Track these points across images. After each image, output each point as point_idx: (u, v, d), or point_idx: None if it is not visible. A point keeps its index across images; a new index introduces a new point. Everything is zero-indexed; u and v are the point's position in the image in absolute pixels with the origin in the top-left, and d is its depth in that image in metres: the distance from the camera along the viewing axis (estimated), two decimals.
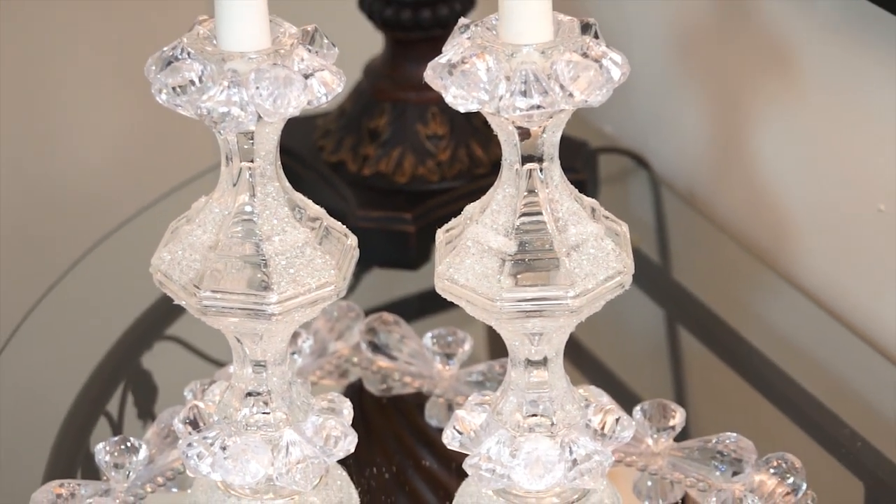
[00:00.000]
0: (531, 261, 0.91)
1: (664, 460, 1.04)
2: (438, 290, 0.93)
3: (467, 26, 0.91)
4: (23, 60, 1.89)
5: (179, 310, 0.97)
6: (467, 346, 1.13)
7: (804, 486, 1.01)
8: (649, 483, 1.04)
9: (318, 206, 0.97)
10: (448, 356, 1.12)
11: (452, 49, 0.90)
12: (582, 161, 1.31)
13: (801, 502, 1.00)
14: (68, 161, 1.91)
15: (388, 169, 1.28)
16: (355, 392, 1.13)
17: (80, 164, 1.92)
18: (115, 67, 1.85)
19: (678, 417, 1.05)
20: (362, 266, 1.07)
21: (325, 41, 0.93)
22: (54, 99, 1.90)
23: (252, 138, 0.93)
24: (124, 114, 1.87)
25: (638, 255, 0.97)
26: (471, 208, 0.94)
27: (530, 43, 0.89)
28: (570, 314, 0.91)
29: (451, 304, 0.93)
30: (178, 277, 0.95)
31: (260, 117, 0.90)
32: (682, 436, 1.04)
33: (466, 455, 0.95)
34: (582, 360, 1.17)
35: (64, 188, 1.91)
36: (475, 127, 1.29)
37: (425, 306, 1.19)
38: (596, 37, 0.90)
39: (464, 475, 0.97)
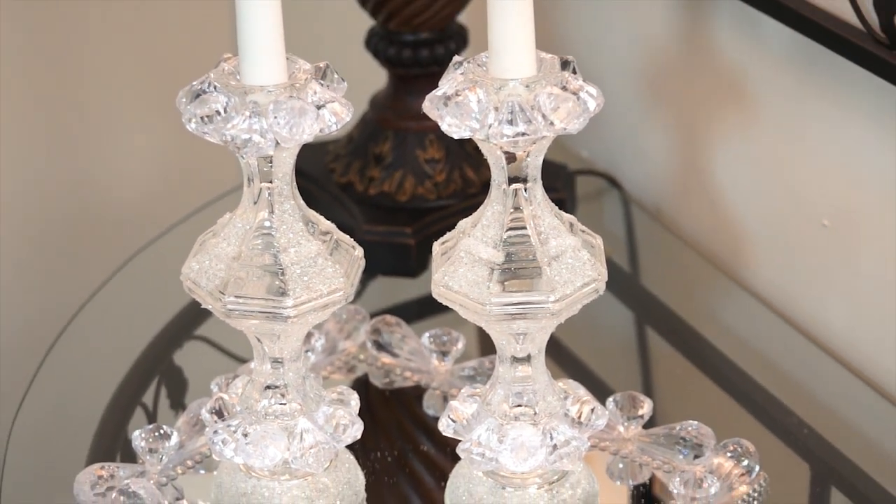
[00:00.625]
0: (516, 269, 0.91)
1: (634, 445, 1.04)
2: (435, 296, 0.93)
3: (460, 63, 0.91)
4: (70, 88, 1.88)
5: (206, 313, 0.97)
6: (460, 345, 1.13)
7: (757, 468, 1.00)
8: (620, 465, 1.04)
9: (328, 222, 0.97)
10: (443, 353, 1.12)
11: (447, 83, 0.90)
12: (561, 182, 1.31)
13: (754, 482, 1.00)
14: (112, 182, 1.91)
15: (391, 189, 1.28)
16: (361, 385, 1.13)
17: (122, 185, 1.91)
18: (153, 96, 1.84)
19: (646, 407, 1.04)
20: (368, 274, 1.07)
21: (335, 76, 0.94)
22: (97, 124, 1.90)
23: (271, 162, 0.93)
24: (159, 139, 1.87)
25: (611, 264, 0.97)
26: (464, 223, 0.94)
27: (516, 78, 0.89)
28: (551, 316, 0.91)
29: (446, 308, 0.93)
30: (205, 284, 0.95)
31: (278, 143, 0.90)
32: (649, 423, 1.04)
33: (459, 441, 0.94)
34: (561, 356, 1.17)
35: (107, 206, 1.91)
36: (468, 152, 1.29)
37: (423, 310, 1.19)
38: (574, 72, 0.90)
39: (457, 458, 0.96)
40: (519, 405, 0.93)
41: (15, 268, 1.90)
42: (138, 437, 1.03)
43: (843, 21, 1.10)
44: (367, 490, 1.01)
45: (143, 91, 1.88)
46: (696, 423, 1.03)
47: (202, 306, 0.96)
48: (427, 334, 1.13)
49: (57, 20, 1.83)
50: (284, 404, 0.96)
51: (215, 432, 0.97)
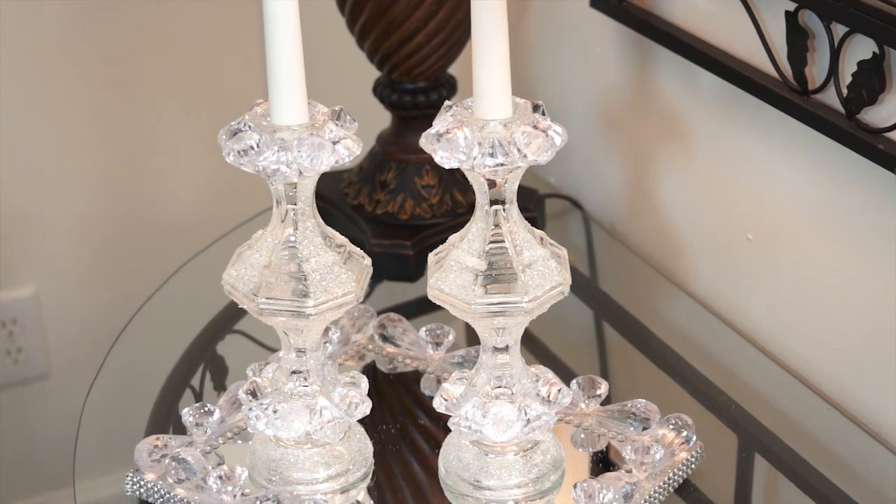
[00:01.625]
0: (497, 275, 0.91)
1: (593, 419, 1.03)
2: (430, 297, 0.93)
3: (450, 107, 0.92)
4: (136, 125, 1.88)
5: (243, 311, 0.97)
6: (451, 337, 1.12)
7: (694, 438, 1.00)
8: (582, 436, 1.03)
9: (342, 237, 0.97)
10: (437, 344, 1.12)
11: (440, 123, 0.90)
12: (533, 203, 1.31)
13: (692, 450, 1.00)
14: (167, 203, 1.91)
15: (394, 209, 1.28)
16: (370, 370, 1.13)
17: (175, 205, 1.91)
18: (201, 131, 1.84)
19: (603, 388, 1.04)
20: (375, 279, 1.06)
21: (348, 117, 0.94)
22: (157, 154, 1.90)
23: (295, 187, 0.93)
24: (205, 168, 1.87)
25: (574, 271, 0.97)
26: (453, 238, 0.94)
27: (496, 118, 0.89)
28: (525, 314, 0.91)
29: (439, 307, 0.93)
30: (241, 288, 0.95)
31: (301, 172, 0.91)
32: (605, 402, 1.04)
33: (450, 416, 0.94)
34: (534, 346, 1.16)
35: (163, 222, 1.90)
36: (457, 179, 1.29)
37: (420, 308, 1.18)
38: (543, 114, 0.90)
39: (448, 430, 0.96)
40: (499, 386, 0.93)
41: (89, 271, 1.90)
42: (187, 414, 1.03)
43: (763, 72, 1.10)
44: (374, 456, 1.01)
45: (193, 126, 1.88)
46: (643, 401, 1.03)
47: (239, 306, 0.96)
48: (424, 328, 1.13)
49: (124, 65, 1.82)
50: (307, 386, 0.96)
51: (250, 409, 0.97)
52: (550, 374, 0.96)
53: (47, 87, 1.81)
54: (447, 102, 0.93)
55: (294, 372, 0.96)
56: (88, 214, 1.88)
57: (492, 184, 0.90)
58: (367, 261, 0.97)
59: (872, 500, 1.00)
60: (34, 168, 1.83)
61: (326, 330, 1.08)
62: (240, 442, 1.03)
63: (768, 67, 1.09)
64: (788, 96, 1.07)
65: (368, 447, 1.01)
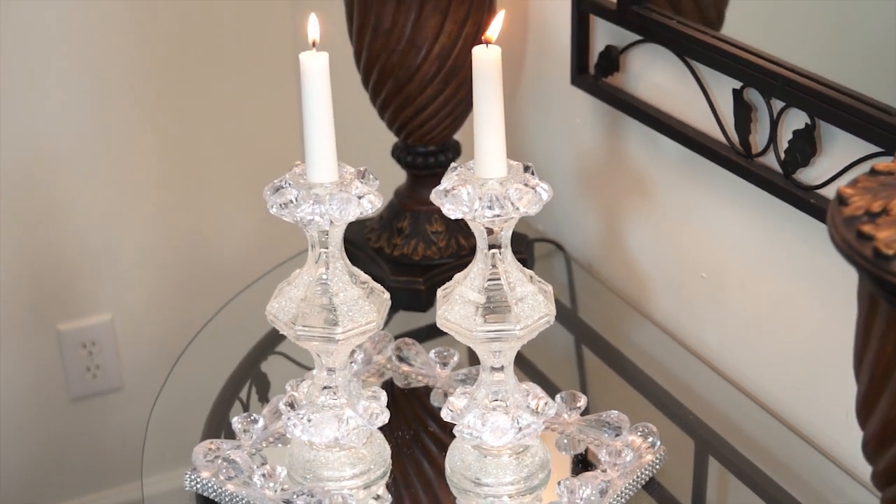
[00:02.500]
0: (494, 307, 0.91)
1: (574, 427, 1.03)
2: (438, 325, 0.94)
3: (455, 167, 0.92)
4: (196, 179, 1.88)
5: (283, 337, 0.97)
6: (456, 358, 1.12)
7: (658, 443, 1.00)
8: (565, 441, 1.03)
9: (366, 275, 0.97)
10: (444, 364, 1.12)
11: (447, 181, 0.91)
12: (524, 247, 1.31)
13: (656, 453, 0.99)
14: (222, 246, 1.91)
15: (409, 251, 1.28)
16: (388, 386, 1.12)
17: (228, 248, 1.91)
18: (250, 186, 1.84)
19: (582, 401, 1.04)
20: (392, 310, 1.06)
21: (371, 176, 0.94)
22: (214, 205, 1.90)
23: (327, 234, 0.93)
24: (251, 218, 1.87)
25: (558, 303, 0.97)
26: (458, 276, 0.94)
27: (493, 177, 0.89)
28: (517, 340, 0.91)
29: (446, 333, 0.93)
30: (282, 317, 0.95)
31: (331, 222, 0.91)
32: (584, 412, 1.04)
33: (455, 424, 0.94)
34: (525, 366, 1.16)
35: (217, 261, 1.90)
36: (461, 226, 1.29)
37: (431, 334, 1.18)
38: (532, 174, 0.91)
39: (453, 436, 0.96)
40: (496, 400, 0.93)
41: (156, 301, 1.90)
42: (236, 422, 1.03)
43: (714, 139, 1.10)
44: (392, 458, 1.00)
45: (242, 182, 1.88)
46: (616, 412, 1.02)
47: (280, 332, 0.96)
48: (433, 351, 1.13)
49: (188, 128, 1.83)
50: (336, 399, 0.96)
51: (289, 418, 0.97)
52: (538, 390, 0.96)
53: (124, 146, 1.81)
54: (453, 164, 0.93)
55: (325, 387, 0.96)
56: (155, 254, 1.88)
57: (490, 231, 0.90)
58: (386, 295, 0.97)
59: (804, 492, 0.99)
60: (110, 214, 1.84)
61: (352, 352, 1.08)
62: (280, 445, 1.03)
63: (718, 135, 1.09)
64: (735, 159, 1.07)
65: (387, 450, 1.00)
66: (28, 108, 1.73)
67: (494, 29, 0.89)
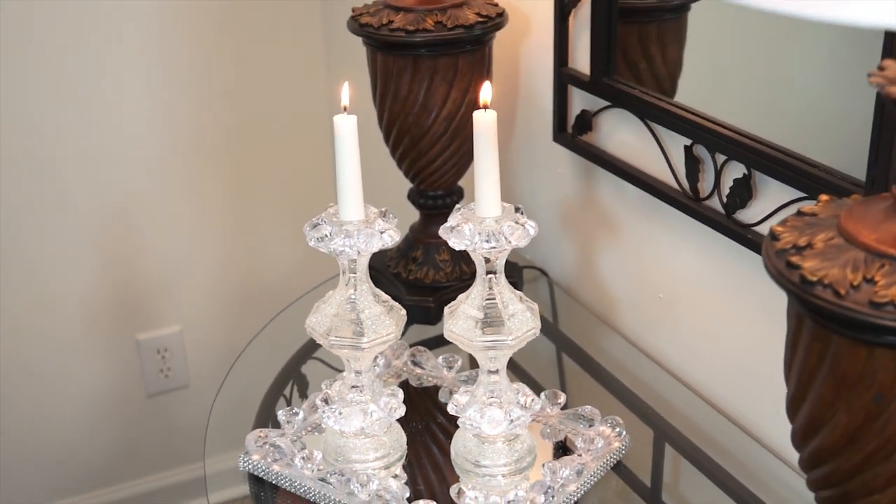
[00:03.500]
0: (490, 322, 0.90)
1: (555, 419, 1.02)
2: (445, 336, 0.93)
3: (459, 209, 0.92)
4: (247, 210, 1.88)
5: (319, 345, 0.97)
6: (459, 363, 1.12)
7: (624, 433, 0.99)
8: (548, 430, 1.02)
9: (386, 295, 0.97)
10: (450, 367, 1.11)
11: (452, 219, 0.90)
12: (515, 272, 1.31)
13: (622, 440, 0.99)
14: (269, 270, 1.91)
15: (421, 276, 1.27)
16: (405, 385, 1.12)
17: (275, 272, 1.91)
18: (293, 221, 1.85)
19: (562, 399, 1.03)
20: (408, 324, 1.06)
21: (391, 215, 0.94)
22: (263, 237, 1.90)
23: (355, 262, 0.93)
24: (294, 248, 1.88)
25: (543, 319, 0.97)
26: (461, 296, 0.94)
27: (490, 216, 0.89)
28: (509, 348, 0.91)
29: (451, 343, 0.93)
30: (318, 329, 0.94)
31: (359, 252, 0.91)
32: (564, 407, 1.03)
33: (459, 416, 0.93)
34: (516, 369, 1.16)
35: (267, 282, 1.91)
36: (463, 256, 1.29)
37: (439, 343, 1.18)
38: (522, 213, 0.90)
39: (457, 426, 0.95)
40: (492, 397, 0.93)
41: (216, 315, 1.90)
42: (281, 414, 1.02)
43: (669, 185, 1.10)
44: (407, 444, 1.00)
45: (287, 219, 1.89)
46: (590, 407, 1.02)
47: (317, 342, 0.95)
48: (441, 357, 1.12)
49: (244, 173, 1.83)
50: (362, 396, 0.95)
51: (323, 411, 0.96)
52: (526, 389, 0.95)
53: (194, 190, 1.82)
54: (457, 206, 0.93)
55: (353, 386, 0.96)
56: (216, 278, 1.89)
57: (487, 260, 0.90)
58: (403, 311, 0.97)
59: (743, 474, 0.99)
60: (181, 246, 1.84)
61: (375, 358, 1.07)
62: (316, 434, 1.02)
63: (672, 182, 1.09)
64: (686, 202, 1.07)
65: (403, 437, 0.99)
66: (122, 159, 1.74)
67: (486, 92, 0.90)
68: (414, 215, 1.33)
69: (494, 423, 0.92)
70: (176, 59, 1.72)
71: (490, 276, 0.91)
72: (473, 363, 1.12)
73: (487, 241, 0.88)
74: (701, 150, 1.04)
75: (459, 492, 0.93)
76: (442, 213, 1.25)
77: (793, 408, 0.69)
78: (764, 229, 0.98)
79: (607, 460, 0.98)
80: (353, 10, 1.21)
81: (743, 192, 0.99)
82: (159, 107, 1.74)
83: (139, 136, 1.74)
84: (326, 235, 0.91)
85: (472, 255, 0.90)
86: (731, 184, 1.00)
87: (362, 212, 0.92)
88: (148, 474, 1.94)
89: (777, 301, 0.73)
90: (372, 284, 0.95)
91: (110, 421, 1.89)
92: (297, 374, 1.19)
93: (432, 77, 1.18)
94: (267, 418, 1.08)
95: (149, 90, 1.73)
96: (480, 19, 1.16)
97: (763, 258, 0.66)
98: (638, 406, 1.09)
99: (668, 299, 1.17)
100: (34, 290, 1.76)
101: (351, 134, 0.90)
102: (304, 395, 1.14)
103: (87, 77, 1.68)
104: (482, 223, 0.88)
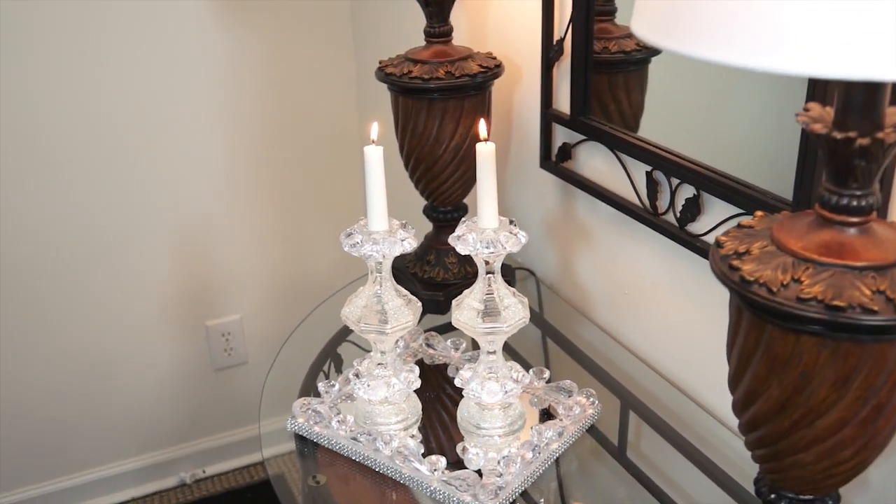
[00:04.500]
0: (489, 312, 0.90)
1: (541, 391, 1.02)
2: (453, 323, 0.92)
3: (464, 221, 0.91)
4: (293, 220, 1.88)
5: (351, 330, 0.96)
6: (464, 345, 1.11)
7: (596, 402, 0.99)
8: (535, 400, 1.01)
9: (406, 290, 0.96)
10: (456, 348, 1.11)
11: (459, 230, 0.90)
12: (509, 273, 1.30)
13: (595, 408, 0.98)
14: (313, 270, 1.91)
15: (434, 275, 1.27)
16: (420, 363, 1.11)
17: (317, 271, 1.91)
18: (334, 229, 1.84)
19: (547, 374, 1.03)
20: (423, 314, 1.05)
21: (410, 226, 0.93)
22: (310, 240, 1.90)
23: (381, 264, 0.92)
24: (332, 252, 1.87)
25: (531, 310, 0.96)
26: (466, 291, 0.93)
27: (489, 228, 0.88)
28: (504, 333, 0.90)
29: (457, 329, 0.92)
30: (351, 317, 0.94)
31: (384, 256, 0.90)
32: (548, 381, 1.02)
33: (463, 388, 0.93)
34: (510, 351, 1.15)
35: (310, 280, 1.90)
36: (468, 259, 1.28)
37: (447, 329, 1.17)
38: (514, 225, 0.90)
39: (462, 396, 0.95)
40: (490, 372, 0.92)
41: (269, 306, 1.89)
42: (321, 386, 1.02)
43: (633, 203, 1.09)
44: (422, 410, 0.99)
45: (327, 228, 1.88)
46: (569, 381, 1.01)
47: (350, 328, 0.95)
48: (449, 340, 1.12)
49: (288, 189, 1.83)
50: (385, 371, 0.95)
51: (355, 384, 0.96)
52: (518, 366, 0.95)
53: (251, 206, 1.82)
54: (463, 219, 0.92)
55: (379, 364, 0.95)
56: (269, 276, 1.88)
57: (487, 262, 0.89)
58: (419, 304, 0.96)
59: (693, 436, 0.98)
60: (240, 250, 1.84)
61: (396, 341, 1.07)
62: (349, 401, 1.02)
63: (636, 200, 1.09)
64: (647, 216, 1.06)
65: (419, 405, 0.99)
66: (197, 182, 1.75)
67: (485, 128, 0.90)
68: (428, 226, 1.33)
69: (492, 394, 0.91)
70: (240, 104, 1.73)
71: (489, 275, 0.90)
72: (475, 345, 1.12)
73: (487, 247, 0.87)
74: (659, 175, 1.03)
75: (464, 449, 0.93)
76: (450, 225, 1.25)
77: (733, 383, 0.69)
78: (710, 239, 0.97)
79: (583, 424, 0.97)
80: (380, 62, 1.21)
81: (693, 209, 0.98)
82: (228, 139, 1.75)
83: (212, 163, 1.75)
84: (358, 242, 0.91)
85: (474, 258, 0.90)
86: (683, 202, 1.00)
87: (387, 224, 0.92)
88: (214, 433, 1.94)
89: (721, 297, 0.72)
90: (394, 282, 0.95)
91: (184, 390, 1.89)
92: (334, 353, 1.18)
93: (443, 116, 1.17)
94: (310, 389, 1.08)
95: (220, 126, 1.73)
96: (482, 70, 1.16)
97: (710, 262, 0.66)
98: (608, 380, 1.08)
99: (633, 295, 1.16)
100: (125, 286, 1.76)
101: (378, 161, 0.90)
102: (339, 371, 1.13)
103: (172, 118, 1.69)
104: (483, 233, 0.88)
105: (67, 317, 1.74)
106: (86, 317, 1.75)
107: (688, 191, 0.99)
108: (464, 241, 0.88)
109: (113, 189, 1.69)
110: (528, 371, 1.00)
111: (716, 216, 0.96)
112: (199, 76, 1.69)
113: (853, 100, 0.58)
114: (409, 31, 1.52)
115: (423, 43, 1.20)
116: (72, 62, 1.59)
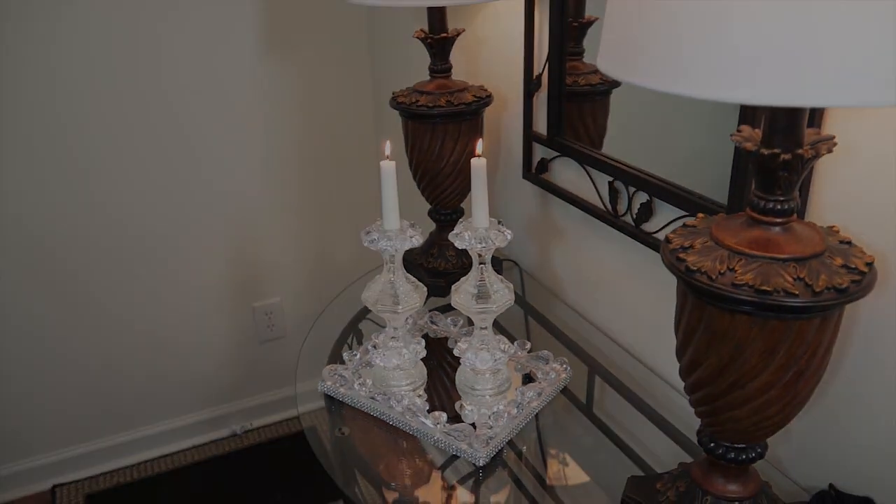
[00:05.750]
0: (481, 295, 0.89)
1: (524, 359, 1.01)
2: (452, 304, 0.91)
3: (461, 222, 0.90)
4: (324, 218, 1.87)
5: (369, 310, 0.95)
6: (461, 322, 1.10)
7: (569, 368, 0.98)
8: (518, 366, 1.01)
9: (414, 277, 0.96)
10: (455, 325, 1.10)
11: (457, 228, 0.89)
12: (497, 264, 1.30)
13: (567, 374, 0.98)
14: (338, 259, 1.90)
15: (437, 265, 1.26)
16: (426, 336, 1.11)
17: (341, 260, 1.90)
18: (354, 229, 1.83)
19: (528, 346, 1.02)
20: (428, 297, 1.05)
21: (417, 226, 0.93)
22: (337, 231, 1.89)
23: (393, 256, 0.91)
24: (354, 246, 1.86)
25: (516, 294, 0.95)
26: (463, 279, 0.92)
27: (481, 227, 0.87)
28: (494, 313, 0.90)
29: (456, 309, 0.91)
30: (370, 300, 0.93)
31: (396, 250, 0.89)
32: (530, 351, 1.02)
33: (461, 357, 0.92)
34: (498, 327, 1.14)
35: (336, 267, 1.90)
36: (465, 252, 1.28)
37: (448, 309, 1.16)
38: (502, 225, 0.89)
39: (459, 363, 0.94)
40: (482, 344, 0.91)
41: (304, 290, 1.89)
42: (345, 355, 1.01)
43: (598, 207, 1.09)
44: (427, 375, 0.98)
45: (351, 226, 1.87)
46: (546, 351, 1.01)
47: (369, 308, 0.94)
48: (449, 318, 1.11)
49: (317, 194, 1.82)
50: (398, 343, 0.94)
51: (373, 353, 0.95)
52: (504, 339, 0.94)
53: (286, 207, 1.81)
54: (460, 220, 0.92)
55: (392, 337, 0.95)
56: (303, 264, 1.88)
57: (479, 255, 0.89)
58: (424, 289, 0.96)
59: (648, 396, 0.97)
60: (279, 243, 1.83)
61: (406, 319, 1.07)
62: (368, 367, 1.01)
63: (600, 205, 1.08)
64: (609, 218, 1.05)
65: (425, 371, 0.98)
66: (246, 189, 1.74)
67: (479, 147, 0.89)
68: (431, 226, 1.32)
69: (484, 361, 0.91)
70: (281, 126, 1.73)
71: (481, 265, 0.90)
72: (471, 322, 1.12)
73: (480, 243, 0.87)
74: (619, 185, 1.03)
75: (461, 406, 0.92)
76: (450, 225, 1.24)
77: (680, 353, 0.69)
78: (661, 236, 0.97)
79: (557, 386, 0.97)
80: (393, 93, 1.20)
81: (647, 212, 0.98)
82: (271, 156, 1.74)
83: (258, 176, 1.75)
84: (375, 238, 0.90)
85: (469, 251, 0.89)
86: (639, 206, 0.99)
87: (398, 223, 0.91)
88: (260, 393, 1.94)
89: (670, 283, 0.72)
90: (404, 270, 0.94)
91: (235, 359, 1.89)
92: (356, 329, 1.18)
93: (444, 137, 1.17)
94: (336, 357, 1.07)
95: (265, 145, 1.73)
96: (476, 99, 1.16)
97: (661, 255, 0.66)
98: (578, 351, 1.08)
99: (598, 282, 1.15)
100: (189, 276, 1.76)
101: (391, 173, 0.89)
102: (360, 343, 1.13)
103: (226, 136, 1.69)
104: (476, 231, 0.87)
105: (145, 300, 1.74)
106: (159, 299, 1.75)
107: (642, 197, 0.98)
108: (461, 237, 0.88)
109: (184, 198, 1.69)
110: (513, 343, 0.99)
111: (665, 217, 0.96)
112: (251, 104, 1.69)
113: (777, 122, 0.58)
114: (417, 68, 1.52)
115: (428, 77, 1.20)
116: (151, 94, 1.59)
